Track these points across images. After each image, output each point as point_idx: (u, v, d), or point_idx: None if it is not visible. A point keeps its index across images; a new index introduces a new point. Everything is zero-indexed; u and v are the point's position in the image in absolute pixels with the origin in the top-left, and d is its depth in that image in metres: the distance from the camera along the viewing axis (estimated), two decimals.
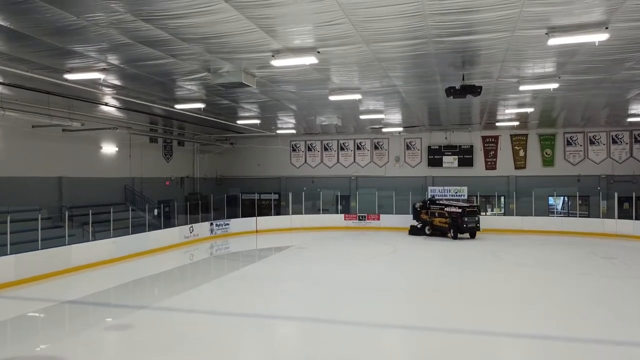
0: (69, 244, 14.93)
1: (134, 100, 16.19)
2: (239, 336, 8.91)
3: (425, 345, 8.46)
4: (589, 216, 25.03)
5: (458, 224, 21.63)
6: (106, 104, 17.90)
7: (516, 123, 23.89)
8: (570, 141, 26.10)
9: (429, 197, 25.45)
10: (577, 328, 9.16)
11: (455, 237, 21.75)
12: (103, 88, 15.08)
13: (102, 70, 12.28)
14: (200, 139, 27.78)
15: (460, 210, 21.87)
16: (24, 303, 11.62)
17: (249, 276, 14.75)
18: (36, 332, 9.69)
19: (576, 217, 24.85)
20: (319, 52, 10.59)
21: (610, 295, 11.83)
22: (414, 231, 23.60)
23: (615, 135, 25.36)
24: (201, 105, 17.39)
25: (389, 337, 8.92)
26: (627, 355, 7.90)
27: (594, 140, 25.76)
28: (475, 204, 23.32)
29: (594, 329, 9.16)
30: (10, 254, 12.94)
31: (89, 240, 16.34)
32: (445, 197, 25.53)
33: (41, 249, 13.99)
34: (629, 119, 22.20)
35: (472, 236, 21.98)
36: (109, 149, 21.42)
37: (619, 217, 22.72)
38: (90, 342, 8.58)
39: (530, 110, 19.64)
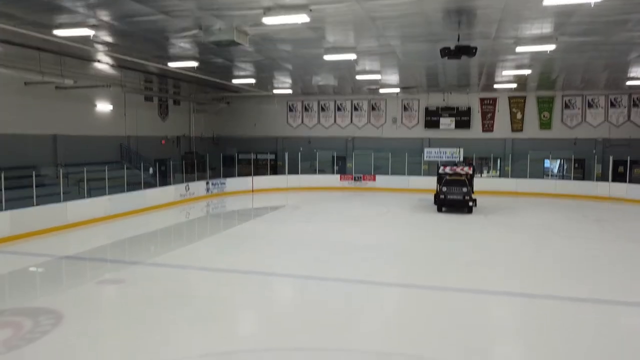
0: (64, 201, 15.09)
1: (127, 58, 15.99)
2: (231, 292, 9.14)
3: (413, 301, 8.70)
4: (583, 179, 25.16)
5: (436, 194, 19.18)
6: (99, 61, 17.68)
7: (514, 85, 23.64)
8: (569, 104, 25.89)
9: (459, 159, 23.10)
10: (561, 287, 9.38)
11: (439, 210, 18.66)
12: (95, 45, 14.85)
13: (92, 26, 12.06)
14: (196, 98, 27.55)
15: (436, 177, 19.45)
16: (18, 258, 11.84)
17: (243, 234, 14.98)
18: (30, 286, 9.96)
19: (570, 180, 24.99)
20: (311, 10, 10.37)
21: (596, 257, 12.05)
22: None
23: (614, 99, 25.12)
24: (195, 64, 17.15)
25: (378, 293, 9.13)
26: (608, 312, 8.15)
27: (592, 103, 25.54)
28: (462, 172, 19.07)
29: (578, 288, 9.40)
30: (6, 209, 13.12)
31: (85, 198, 16.50)
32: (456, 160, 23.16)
33: (37, 205, 14.14)
34: (628, 82, 21.95)
35: (469, 211, 18.18)
36: (103, 107, 21.26)
37: (613, 181, 22.86)
38: (83, 296, 8.81)
39: (528, 72, 19.40)
